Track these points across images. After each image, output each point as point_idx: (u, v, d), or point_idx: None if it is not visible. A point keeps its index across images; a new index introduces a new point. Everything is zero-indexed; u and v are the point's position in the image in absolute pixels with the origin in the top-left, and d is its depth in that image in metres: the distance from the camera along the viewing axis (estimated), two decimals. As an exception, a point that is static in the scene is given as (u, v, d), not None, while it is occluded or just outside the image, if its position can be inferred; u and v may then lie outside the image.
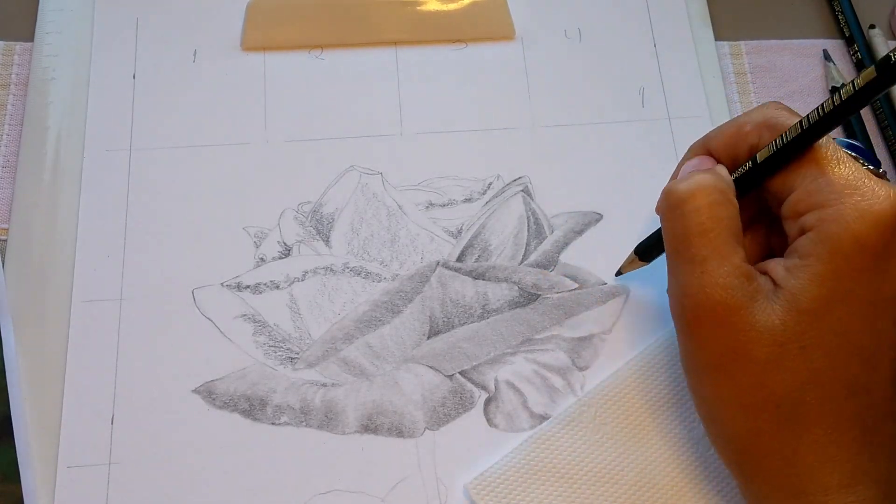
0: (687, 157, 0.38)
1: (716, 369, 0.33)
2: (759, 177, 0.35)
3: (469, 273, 0.43)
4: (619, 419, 0.39)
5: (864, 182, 0.32)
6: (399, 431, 0.39)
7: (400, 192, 0.45)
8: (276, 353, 0.41)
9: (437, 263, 0.43)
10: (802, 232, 0.33)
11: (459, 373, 0.41)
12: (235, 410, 0.39)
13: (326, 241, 0.43)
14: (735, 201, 0.34)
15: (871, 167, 0.35)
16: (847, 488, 0.32)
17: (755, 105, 0.47)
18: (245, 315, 0.41)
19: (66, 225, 0.43)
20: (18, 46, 0.47)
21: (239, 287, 0.42)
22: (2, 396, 0.38)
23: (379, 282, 0.42)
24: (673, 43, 0.49)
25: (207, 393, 0.40)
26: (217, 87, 0.46)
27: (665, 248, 0.35)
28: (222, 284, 0.42)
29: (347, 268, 0.42)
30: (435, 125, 0.46)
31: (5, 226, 0.43)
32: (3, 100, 0.46)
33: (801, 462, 0.32)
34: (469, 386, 0.41)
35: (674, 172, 0.39)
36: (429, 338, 0.41)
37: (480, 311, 0.42)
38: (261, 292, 0.42)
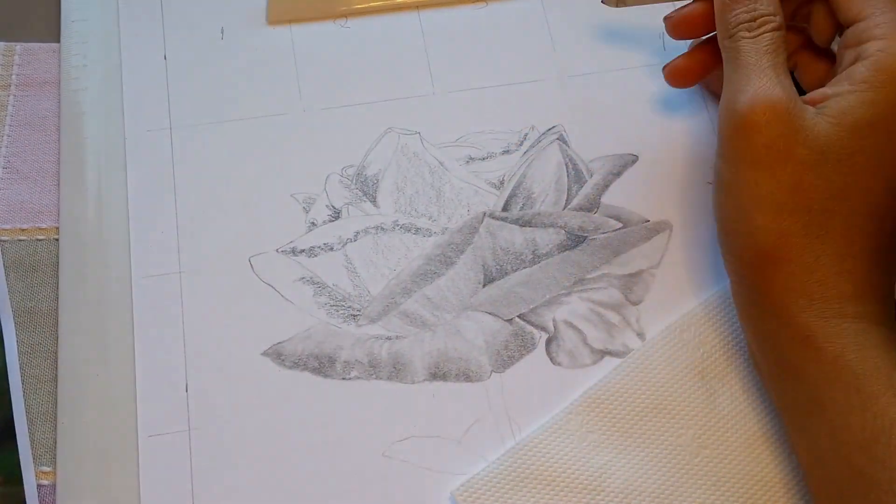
0: None
1: (759, 165, 0.35)
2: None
3: (516, 221, 0.44)
4: (605, 427, 0.39)
5: None
6: (467, 376, 0.40)
7: (439, 149, 0.45)
8: (338, 311, 0.41)
9: (484, 214, 0.44)
10: (858, 60, 0.35)
11: (518, 316, 0.42)
12: (306, 369, 0.40)
13: (373, 202, 0.44)
14: (784, 33, 0.37)
15: None
16: (859, 299, 0.34)
17: None
18: (303, 278, 0.42)
19: (115, 207, 0.43)
20: (19, 47, 0.47)
21: (294, 252, 0.43)
22: (3, 399, 0.39)
23: (429, 236, 0.43)
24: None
25: (276, 355, 0.40)
26: (248, 61, 0.47)
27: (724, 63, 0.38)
28: (277, 250, 0.43)
29: (397, 225, 0.43)
30: (465, 83, 0.47)
31: (46, 225, 0.43)
32: (3, 100, 0.46)
33: (822, 268, 0.34)
34: (529, 328, 0.42)
35: None
36: (484, 286, 0.42)
37: (531, 256, 0.43)
38: (316, 255, 0.43)
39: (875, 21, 0.36)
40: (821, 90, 0.36)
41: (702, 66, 0.43)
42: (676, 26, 0.42)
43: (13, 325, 0.41)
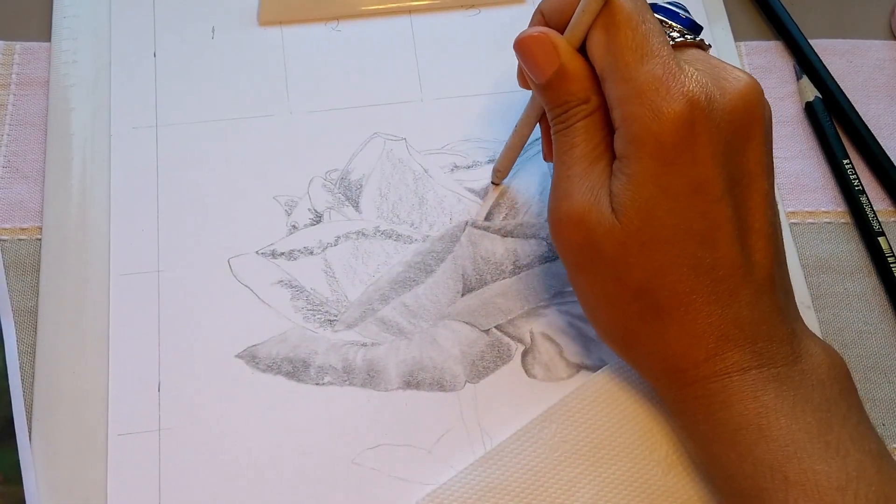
0: (532, 21, 0.38)
1: (580, 268, 0.36)
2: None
3: (498, 231, 0.44)
4: (579, 437, 0.39)
5: (661, 79, 0.33)
6: (441, 386, 0.40)
7: (424, 156, 0.45)
8: (314, 316, 0.41)
9: (466, 223, 0.44)
10: (616, 128, 0.34)
11: (495, 327, 0.42)
12: (279, 373, 0.40)
13: (356, 207, 0.44)
14: (601, 112, 0.35)
15: (689, 36, 0.36)
16: (715, 357, 0.34)
17: None
18: (282, 281, 0.42)
19: (98, 204, 0.43)
20: (19, 46, 0.47)
21: (273, 254, 0.43)
22: (3, 398, 0.39)
23: (410, 243, 0.43)
24: None
25: (250, 357, 0.40)
26: (237, 61, 0.47)
27: None
28: (257, 252, 0.43)
29: (378, 231, 0.43)
30: (454, 90, 0.47)
31: (30, 224, 0.43)
32: (3, 100, 0.46)
33: (669, 345, 0.34)
34: (505, 339, 0.41)
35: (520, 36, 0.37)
36: (463, 295, 0.42)
37: (511, 267, 0.43)
38: (295, 258, 0.43)
39: (613, 82, 0.34)
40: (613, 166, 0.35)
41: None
42: (547, 157, 0.41)
43: (13, 324, 0.41)
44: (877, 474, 0.32)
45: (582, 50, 0.36)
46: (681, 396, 0.35)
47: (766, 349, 0.34)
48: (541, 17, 0.38)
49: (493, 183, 0.45)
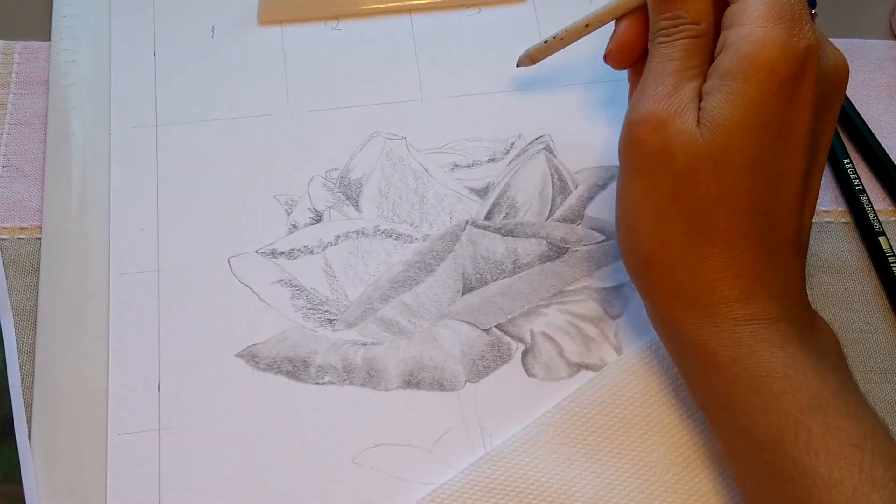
0: None
1: (643, 172, 0.35)
2: None
3: (498, 230, 0.44)
4: (577, 439, 0.39)
5: (794, 14, 0.34)
6: (441, 385, 0.40)
7: (424, 155, 0.45)
8: (314, 315, 0.41)
9: (467, 222, 0.44)
10: (724, 48, 0.34)
11: (495, 326, 0.42)
12: (279, 372, 0.40)
13: (356, 206, 0.44)
14: (708, 39, 0.36)
15: (808, 4, 0.37)
16: (747, 301, 0.34)
17: None
18: (282, 280, 0.42)
19: (98, 203, 0.43)
20: (19, 45, 0.47)
21: (273, 253, 0.43)
22: (3, 397, 0.39)
23: (410, 243, 0.43)
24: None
25: (251, 356, 0.40)
26: (237, 61, 0.47)
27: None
28: (257, 252, 0.43)
29: (378, 230, 0.43)
30: (454, 89, 0.47)
31: (29, 223, 0.43)
32: (2, 99, 0.46)
33: (706, 275, 0.34)
34: (506, 339, 0.41)
35: None
36: (463, 294, 0.42)
37: (512, 266, 0.43)
38: (295, 258, 0.42)
39: (743, 4, 0.34)
40: (706, 84, 0.35)
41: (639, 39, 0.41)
42: (617, 56, 0.41)
43: (13, 324, 0.41)
44: (886, 437, 0.32)
45: None
46: (702, 337, 0.34)
47: (793, 308, 0.34)
48: None
49: (517, 65, 0.44)
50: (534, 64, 0.44)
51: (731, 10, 0.35)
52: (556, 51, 0.43)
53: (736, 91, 0.33)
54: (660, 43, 0.36)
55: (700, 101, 0.35)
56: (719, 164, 0.34)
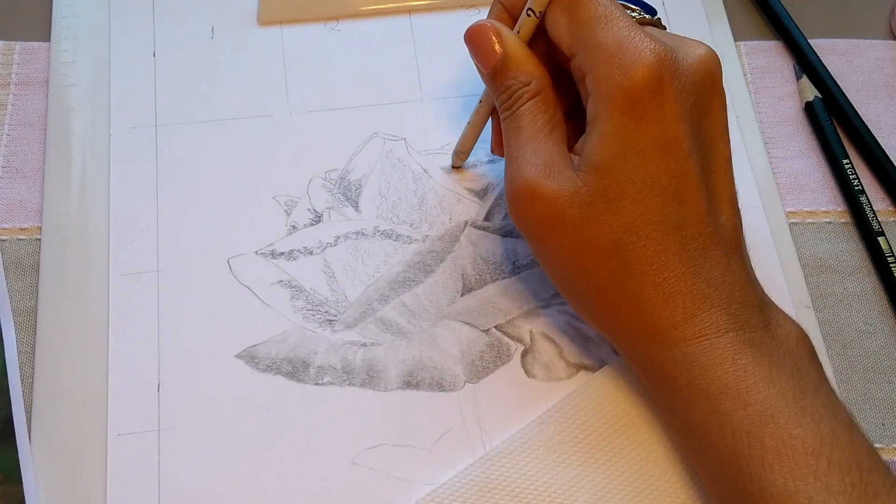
0: (488, 16, 0.39)
1: (543, 240, 0.36)
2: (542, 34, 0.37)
3: (497, 231, 0.44)
4: (577, 439, 0.39)
5: (628, 39, 0.34)
6: (440, 386, 0.40)
7: (424, 156, 0.45)
8: (314, 316, 0.41)
9: (466, 223, 0.44)
10: (586, 98, 0.35)
11: (495, 327, 0.42)
12: (279, 373, 0.40)
13: (356, 207, 0.44)
14: (546, 92, 0.36)
15: (647, 15, 0.38)
16: (692, 318, 0.34)
17: (754, 104, 0.48)
18: (281, 281, 0.42)
19: (98, 204, 0.43)
20: (18, 46, 0.47)
21: (273, 254, 0.43)
22: (3, 398, 0.39)
23: (410, 243, 0.43)
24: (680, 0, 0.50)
25: (250, 357, 0.40)
26: (237, 61, 0.47)
27: None
28: (257, 252, 0.43)
29: (378, 231, 0.43)
30: (454, 90, 0.47)
31: (29, 224, 0.43)
32: (3, 99, 0.46)
33: (645, 305, 0.34)
34: (505, 339, 0.41)
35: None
36: (462, 295, 0.42)
37: (511, 267, 0.43)
38: (295, 258, 0.43)
39: (583, 53, 0.35)
40: (581, 138, 0.36)
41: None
42: (498, 147, 0.42)
43: (13, 325, 0.41)
44: (848, 441, 0.32)
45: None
46: (660, 364, 0.35)
47: (741, 312, 0.34)
48: (500, 8, 0.39)
49: (453, 167, 0.45)
50: (467, 157, 0.45)
51: (574, 64, 0.36)
52: (476, 137, 0.44)
53: (604, 129, 0.34)
54: (506, 118, 0.37)
55: (569, 153, 0.36)
56: (612, 202, 0.34)
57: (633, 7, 0.38)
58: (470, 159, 0.45)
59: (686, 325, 0.34)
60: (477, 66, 0.38)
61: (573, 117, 0.39)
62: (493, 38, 0.37)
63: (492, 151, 0.43)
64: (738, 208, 0.37)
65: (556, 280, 0.37)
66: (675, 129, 0.34)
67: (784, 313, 0.36)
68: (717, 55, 0.36)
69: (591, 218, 0.34)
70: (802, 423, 0.32)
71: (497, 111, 0.39)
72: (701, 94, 0.35)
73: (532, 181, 0.35)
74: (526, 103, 0.36)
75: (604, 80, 0.34)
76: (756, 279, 0.36)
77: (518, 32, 0.37)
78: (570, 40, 0.35)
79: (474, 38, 0.38)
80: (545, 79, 0.37)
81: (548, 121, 0.36)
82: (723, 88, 0.36)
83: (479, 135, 0.43)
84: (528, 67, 0.37)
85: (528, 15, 0.37)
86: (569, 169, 0.35)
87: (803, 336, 0.35)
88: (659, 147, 0.34)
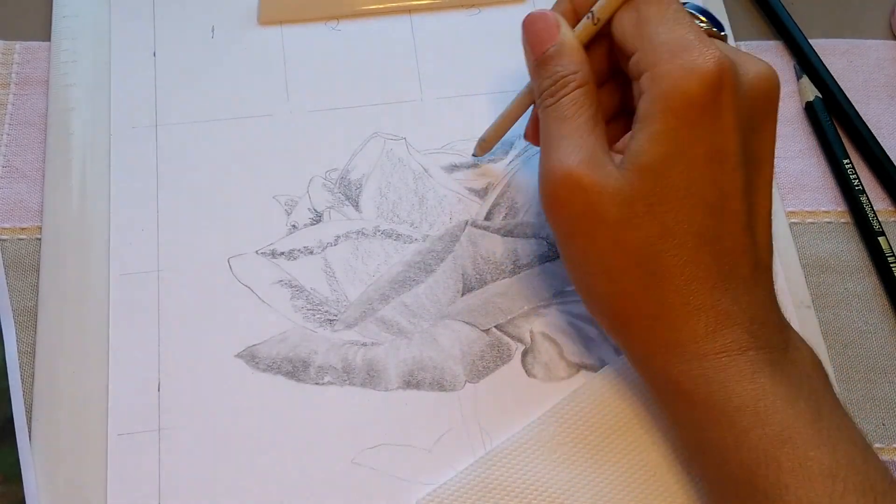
0: (556, 5, 0.39)
1: (576, 234, 0.35)
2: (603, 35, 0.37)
3: (498, 231, 0.44)
4: (578, 439, 0.39)
5: (694, 42, 0.34)
6: (440, 386, 0.40)
7: (424, 155, 0.45)
8: (314, 315, 0.41)
9: (466, 223, 0.44)
10: (640, 95, 0.34)
11: (495, 327, 0.42)
12: (279, 373, 0.40)
13: (356, 206, 0.44)
14: (591, 86, 0.36)
15: (714, 28, 0.37)
16: (714, 333, 0.33)
17: None
18: (282, 281, 0.42)
19: (98, 204, 0.43)
20: (19, 45, 0.47)
21: (273, 254, 0.43)
22: (3, 398, 0.39)
23: (410, 243, 0.43)
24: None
25: (250, 357, 0.40)
26: (237, 61, 0.47)
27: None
28: (257, 252, 0.43)
29: (378, 231, 0.43)
30: (454, 90, 0.47)
31: (29, 224, 0.43)
32: (3, 99, 0.46)
33: (668, 315, 0.34)
34: (505, 339, 0.41)
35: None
36: (463, 295, 0.42)
37: (511, 266, 0.43)
38: (295, 258, 0.43)
39: (644, 51, 0.35)
40: (625, 136, 0.35)
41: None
42: (534, 134, 0.41)
43: (13, 324, 0.41)
44: (863, 464, 0.32)
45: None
46: (676, 377, 0.34)
47: (762, 332, 0.34)
48: (568, 5, 0.38)
49: (473, 155, 0.45)
50: (491, 148, 0.44)
51: (635, 60, 0.35)
52: (507, 129, 0.43)
53: (656, 130, 0.33)
54: (548, 106, 0.36)
55: (610, 148, 0.35)
56: (653, 205, 0.33)
57: (702, 18, 0.38)
58: (469, 160, 0.45)
59: (707, 340, 0.33)
60: (526, 53, 0.38)
61: (613, 122, 0.39)
62: (553, 26, 0.37)
63: (525, 137, 0.42)
64: (772, 230, 0.36)
65: (579, 279, 0.36)
66: (728, 142, 0.33)
67: (800, 337, 0.36)
68: (777, 76, 0.35)
69: (629, 219, 0.33)
70: (819, 444, 0.32)
71: (535, 104, 0.38)
72: (756, 111, 0.35)
73: (575, 171, 0.34)
74: (573, 92, 0.35)
75: (663, 78, 0.33)
76: (777, 301, 0.36)
77: (578, 32, 0.37)
78: (635, 36, 0.35)
79: (533, 24, 0.37)
80: (590, 72, 0.36)
81: (594, 114, 0.35)
82: (777, 110, 0.36)
83: (510, 126, 0.43)
84: (578, 57, 0.36)
85: (589, 18, 0.36)
86: (612, 165, 0.34)
87: (818, 361, 0.35)
88: (709, 156, 0.33)
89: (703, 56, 0.33)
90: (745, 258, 0.34)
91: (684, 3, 0.37)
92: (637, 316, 0.34)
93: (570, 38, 0.36)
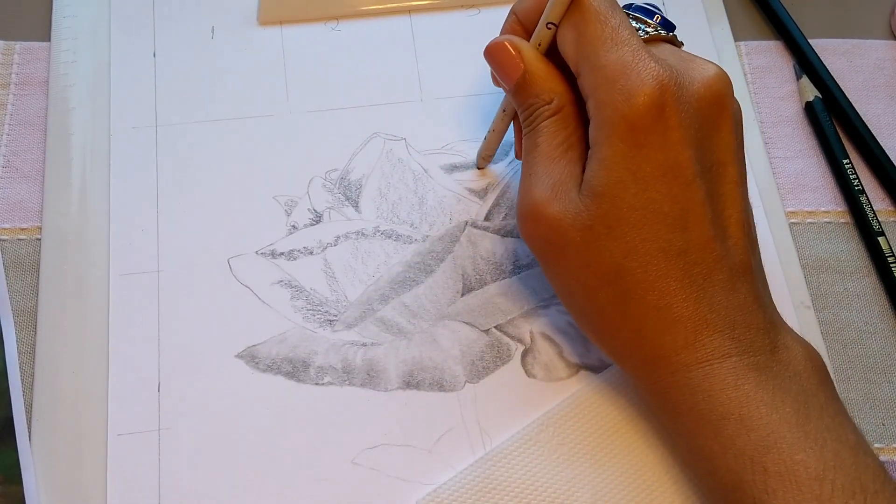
0: (503, 28, 0.39)
1: (550, 260, 0.36)
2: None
3: (498, 231, 0.44)
4: (577, 439, 0.39)
5: (631, 63, 0.33)
6: (440, 386, 0.40)
7: (424, 156, 0.45)
8: (314, 316, 0.41)
9: (466, 223, 0.44)
10: (591, 118, 0.35)
11: (495, 327, 0.42)
12: (279, 373, 0.40)
13: (356, 207, 0.44)
14: (567, 109, 0.36)
15: (663, 31, 0.37)
16: (694, 343, 0.34)
17: (754, 104, 0.48)
18: (281, 281, 0.42)
19: (98, 204, 0.43)
20: (19, 46, 0.47)
21: (273, 254, 0.43)
22: (3, 398, 0.39)
23: (410, 244, 0.43)
24: (680, 1, 0.50)
25: (250, 357, 0.40)
26: (237, 61, 0.47)
27: None
28: (257, 252, 0.43)
29: (378, 231, 0.43)
30: (454, 90, 0.47)
31: (29, 224, 0.43)
32: (3, 99, 0.46)
33: (646, 330, 0.34)
34: (505, 339, 0.41)
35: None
36: (462, 295, 0.42)
37: (511, 267, 0.43)
38: (295, 258, 0.43)
39: (586, 75, 0.35)
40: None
41: None
42: (519, 153, 0.42)
43: (13, 324, 0.41)
44: (853, 464, 0.32)
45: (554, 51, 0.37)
46: (663, 388, 0.35)
47: (745, 336, 0.34)
48: (514, 19, 0.39)
49: (477, 167, 0.45)
50: (491, 160, 0.45)
51: (580, 83, 0.35)
52: (498, 142, 0.44)
53: (605, 156, 0.34)
54: (526, 135, 0.37)
55: (581, 150, 0.36)
56: (612, 227, 0.34)
57: (650, 22, 0.37)
58: (469, 160, 0.45)
59: (688, 351, 0.34)
60: (499, 82, 0.38)
61: None
62: (513, 53, 0.37)
63: (516, 157, 0.43)
64: (752, 229, 0.36)
65: (563, 298, 0.37)
66: (678, 156, 0.34)
67: (795, 335, 0.36)
68: (726, 77, 0.35)
69: (592, 242, 0.34)
70: (805, 447, 0.32)
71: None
72: (706, 118, 0.35)
73: (539, 202, 0.35)
74: (545, 121, 0.36)
75: (605, 106, 0.34)
76: (767, 301, 0.36)
77: (539, 45, 0.37)
78: (576, 59, 0.35)
79: (495, 55, 0.37)
80: (566, 95, 0.36)
81: (564, 140, 0.36)
82: (732, 111, 0.36)
83: (501, 139, 0.43)
84: (549, 84, 0.36)
85: (549, 28, 0.36)
86: (575, 191, 0.35)
87: (813, 357, 0.35)
88: (661, 174, 0.33)
89: (640, 78, 0.33)
90: (718, 266, 0.34)
91: (630, 5, 0.37)
92: (617, 332, 0.35)
93: (534, 63, 0.37)
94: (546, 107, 0.36)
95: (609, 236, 0.34)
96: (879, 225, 0.45)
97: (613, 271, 0.34)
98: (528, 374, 0.41)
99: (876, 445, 0.41)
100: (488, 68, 0.47)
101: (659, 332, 0.34)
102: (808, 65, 0.49)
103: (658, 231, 0.34)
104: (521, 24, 0.38)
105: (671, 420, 0.35)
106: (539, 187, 0.35)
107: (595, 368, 0.41)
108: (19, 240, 0.43)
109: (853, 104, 0.48)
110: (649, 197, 0.33)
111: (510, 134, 0.44)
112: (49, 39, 0.47)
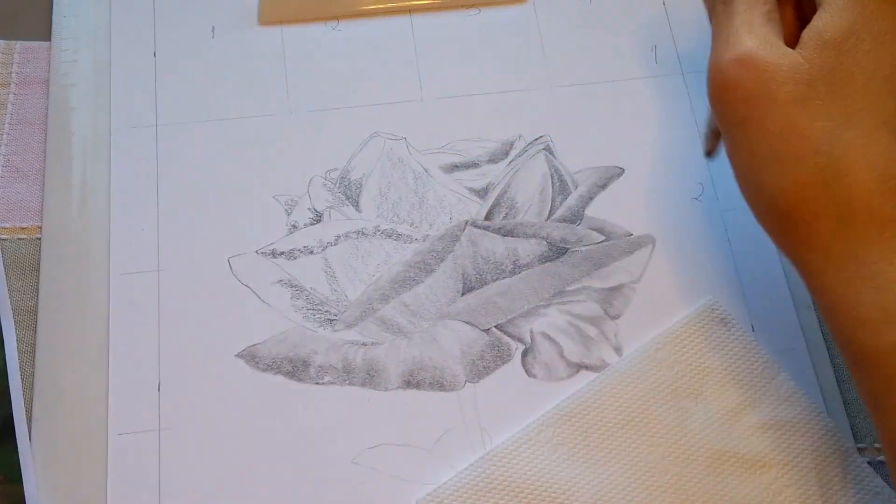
0: None
1: (746, 120, 0.32)
2: None
3: (498, 230, 0.44)
4: (576, 440, 0.39)
5: None
6: (440, 385, 0.40)
7: (424, 155, 0.45)
8: (314, 315, 0.41)
9: (466, 223, 0.44)
10: None
11: (495, 327, 0.42)
12: (279, 372, 0.40)
13: (356, 206, 0.44)
14: None
15: None
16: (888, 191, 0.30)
17: None
18: (282, 280, 0.42)
19: (98, 203, 0.43)
20: (19, 45, 0.47)
21: (274, 254, 0.43)
22: (3, 397, 0.39)
23: (410, 243, 0.43)
24: (683, 1, 0.50)
25: (251, 357, 0.40)
26: (237, 61, 0.47)
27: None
28: (257, 252, 0.43)
29: (378, 231, 0.43)
30: (454, 89, 0.47)
31: (30, 223, 0.43)
32: (3, 99, 0.46)
33: (853, 221, 0.30)
34: (505, 339, 0.41)
35: None
36: (463, 294, 0.42)
37: (511, 266, 0.43)
38: (295, 258, 0.43)
39: None
40: (804, 29, 0.32)
41: None
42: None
43: (13, 324, 0.41)
44: None
45: None
46: (862, 303, 0.29)
47: None
48: None
49: (707, 154, 0.43)
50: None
51: None
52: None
53: (840, 5, 0.30)
54: (720, 11, 0.34)
55: (780, 27, 0.32)
56: (835, 86, 0.30)
57: None
58: (469, 160, 0.45)
59: (881, 200, 0.29)
60: None
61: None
62: None
63: (707, 154, 0.41)
64: None
65: (746, 174, 0.32)
66: None
67: None
68: None
69: (807, 100, 0.30)
70: None
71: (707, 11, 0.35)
72: None
73: (745, 51, 0.31)
74: None
75: None
76: None
77: None
78: None
79: None
80: None
81: (766, 12, 0.32)
82: None
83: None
84: None
85: None
86: (788, 48, 0.31)
87: None
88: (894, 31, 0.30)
89: None
90: None
91: None
92: (813, 217, 0.30)
93: None
94: None
95: (829, 95, 0.30)
96: (880, 225, 0.45)
97: (826, 139, 0.30)
98: (529, 373, 0.41)
99: (876, 445, 0.41)
100: (488, 68, 0.47)
101: (870, 228, 0.29)
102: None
103: (882, 97, 0.30)
104: None
105: (868, 347, 0.30)
106: (744, 41, 0.31)
107: (596, 368, 0.41)
108: (19, 239, 0.43)
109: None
110: (882, 58, 0.30)
111: (501, 132, 0.44)
112: (49, 39, 0.47)
